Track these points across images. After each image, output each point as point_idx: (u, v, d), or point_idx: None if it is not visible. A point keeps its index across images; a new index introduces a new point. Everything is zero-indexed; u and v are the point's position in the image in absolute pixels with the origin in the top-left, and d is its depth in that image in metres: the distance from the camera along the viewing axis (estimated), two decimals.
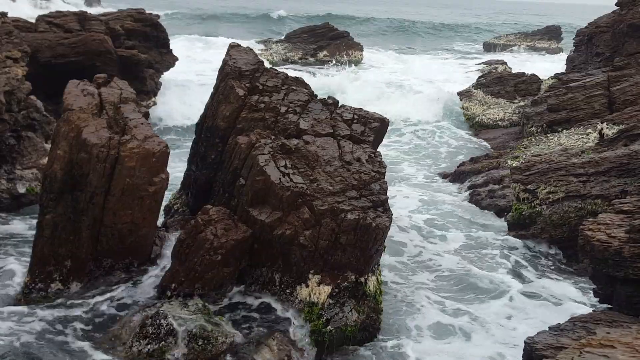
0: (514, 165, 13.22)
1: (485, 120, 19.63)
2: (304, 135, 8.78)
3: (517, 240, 11.24)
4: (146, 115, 8.78)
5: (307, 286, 7.68)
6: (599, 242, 7.26)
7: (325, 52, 34.31)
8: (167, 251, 8.52)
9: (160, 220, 9.18)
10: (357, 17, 62.72)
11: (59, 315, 7.60)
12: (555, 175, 11.73)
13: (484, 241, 11.31)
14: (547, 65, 32.94)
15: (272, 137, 8.51)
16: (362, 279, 7.98)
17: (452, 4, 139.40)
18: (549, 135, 15.66)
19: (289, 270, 7.77)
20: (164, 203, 8.87)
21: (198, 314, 7.25)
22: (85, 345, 7.15)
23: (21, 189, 11.33)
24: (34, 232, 8.11)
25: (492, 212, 12.78)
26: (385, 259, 9.66)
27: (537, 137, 15.83)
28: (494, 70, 25.50)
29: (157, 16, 20.52)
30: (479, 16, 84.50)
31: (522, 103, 19.68)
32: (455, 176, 15.14)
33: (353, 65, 33.13)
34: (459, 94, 21.82)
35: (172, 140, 16.91)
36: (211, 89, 10.01)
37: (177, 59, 20.92)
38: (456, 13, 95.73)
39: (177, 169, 11.43)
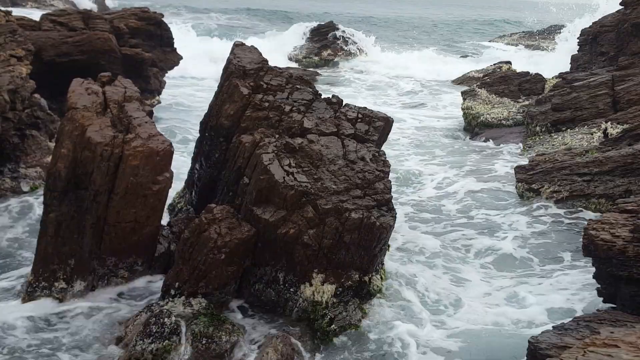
0: (517, 164, 13.22)
1: (490, 120, 19.57)
2: (308, 134, 8.77)
3: None
4: (150, 113, 8.78)
5: (311, 285, 7.68)
6: (603, 241, 7.24)
7: (329, 51, 34.28)
8: (171, 250, 8.53)
9: (164, 219, 9.18)
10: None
11: (61, 313, 7.63)
12: (559, 175, 11.72)
13: None
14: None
15: (276, 136, 8.50)
16: (366, 278, 7.99)
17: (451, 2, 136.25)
18: (553, 134, 15.64)
19: (292, 269, 7.77)
20: (167, 202, 8.88)
21: (202, 312, 7.26)
22: (88, 344, 7.17)
23: (25, 188, 11.36)
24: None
25: None
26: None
27: (541, 137, 15.81)
28: (498, 70, 25.44)
29: (162, 15, 20.51)
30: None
31: (526, 102, 19.62)
32: None
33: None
34: (463, 93, 21.70)
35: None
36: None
37: (181, 58, 20.91)
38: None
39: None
